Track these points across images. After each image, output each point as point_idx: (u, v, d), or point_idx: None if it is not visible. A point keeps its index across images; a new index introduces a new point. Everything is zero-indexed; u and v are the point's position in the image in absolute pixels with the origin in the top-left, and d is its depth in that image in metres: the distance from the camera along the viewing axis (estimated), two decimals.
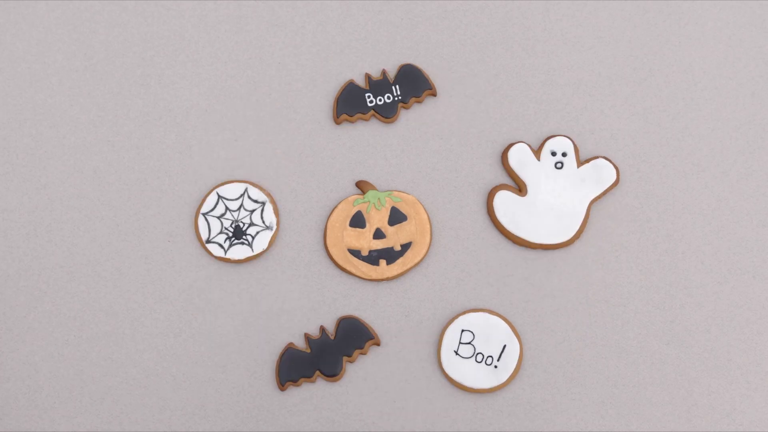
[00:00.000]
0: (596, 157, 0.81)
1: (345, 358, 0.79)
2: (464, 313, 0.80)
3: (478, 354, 0.79)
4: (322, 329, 0.80)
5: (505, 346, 0.79)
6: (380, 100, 0.82)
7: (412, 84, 0.83)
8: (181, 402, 0.81)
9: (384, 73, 0.82)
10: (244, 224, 0.81)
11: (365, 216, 0.82)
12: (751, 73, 0.84)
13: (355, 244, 0.81)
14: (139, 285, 0.82)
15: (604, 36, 0.85)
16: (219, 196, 0.82)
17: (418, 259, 0.81)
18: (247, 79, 0.85)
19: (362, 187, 0.82)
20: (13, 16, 0.86)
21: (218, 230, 0.81)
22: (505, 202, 0.80)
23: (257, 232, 0.81)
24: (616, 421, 0.80)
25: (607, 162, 0.81)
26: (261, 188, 0.82)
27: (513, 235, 0.80)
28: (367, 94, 0.82)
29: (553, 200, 0.80)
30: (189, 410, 0.80)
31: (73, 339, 0.81)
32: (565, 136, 0.82)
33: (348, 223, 0.81)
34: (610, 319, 0.81)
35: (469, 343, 0.79)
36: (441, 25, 0.85)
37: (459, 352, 0.79)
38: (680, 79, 0.84)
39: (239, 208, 0.81)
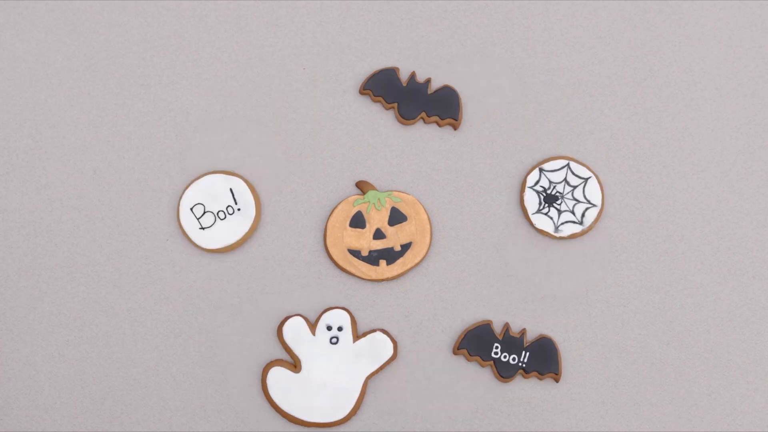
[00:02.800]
0: (373, 331, 0.79)
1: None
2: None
3: (207, 213, 0.80)
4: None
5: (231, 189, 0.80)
6: (505, 356, 0.80)
7: (542, 359, 0.80)
8: (181, 402, 0.81)
9: (523, 333, 0.80)
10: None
11: (365, 216, 0.82)
12: (751, 73, 0.84)
13: (355, 245, 0.81)
14: (139, 285, 0.82)
15: (604, 36, 0.85)
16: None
17: (418, 259, 0.81)
18: (246, 80, 0.85)
19: (362, 187, 0.82)
20: (13, 16, 0.86)
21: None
22: (278, 379, 0.78)
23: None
24: (616, 421, 0.80)
25: (385, 336, 0.79)
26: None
27: (285, 413, 0.78)
28: (495, 344, 0.80)
29: (328, 378, 0.78)
30: (189, 410, 0.80)
31: (74, 339, 0.81)
32: (341, 308, 0.80)
33: (348, 223, 0.81)
34: (610, 319, 0.81)
35: (207, 212, 0.80)
36: (441, 26, 0.85)
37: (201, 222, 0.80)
38: (680, 79, 0.84)
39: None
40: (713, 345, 0.80)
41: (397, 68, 0.83)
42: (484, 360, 0.79)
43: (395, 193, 0.82)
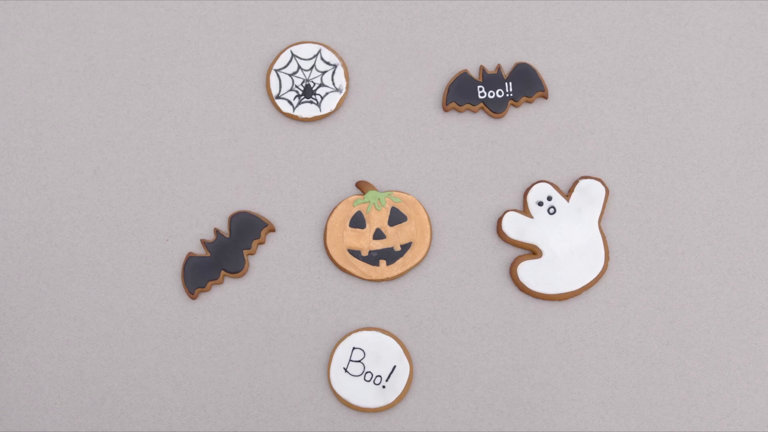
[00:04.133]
0: (577, 182, 0.81)
1: (245, 252, 0.81)
2: (356, 331, 0.80)
3: (366, 372, 0.79)
4: (216, 231, 0.81)
5: (395, 367, 0.79)
6: (491, 93, 0.82)
7: (525, 83, 0.82)
8: (181, 402, 0.81)
9: (499, 68, 0.82)
10: (314, 84, 0.82)
11: (365, 216, 0.82)
12: (751, 73, 0.84)
13: (355, 245, 0.81)
14: (139, 285, 0.82)
15: (604, 36, 0.85)
16: (293, 55, 0.83)
17: (418, 259, 0.81)
18: (246, 80, 0.85)
19: (362, 187, 0.82)
20: (13, 16, 0.86)
21: (288, 87, 0.83)
22: (529, 272, 0.79)
23: (326, 93, 0.82)
24: (616, 421, 0.80)
25: (589, 180, 0.81)
26: (334, 51, 0.82)
27: (555, 295, 0.79)
28: (479, 86, 0.82)
29: (568, 244, 0.80)
30: (189, 410, 0.80)
31: (74, 339, 0.81)
32: (541, 181, 0.81)
33: (348, 223, 0.81)
34: (610, 319, 0.81)
35: (359, 361, 0.79)
36: (441, 25, 0.85)
37: (348, 370, 0.79)
38: (680, 79, 0.84)
39: (311, 68, 0.82)
40: (713, 345, 0.80)
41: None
42: (474, 105, 0.80)
43: (395, 193, 0.82)
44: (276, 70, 0.82)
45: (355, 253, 0.81)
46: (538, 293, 0.79)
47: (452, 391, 0.80)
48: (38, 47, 0.85)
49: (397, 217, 0.81)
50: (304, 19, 0.85)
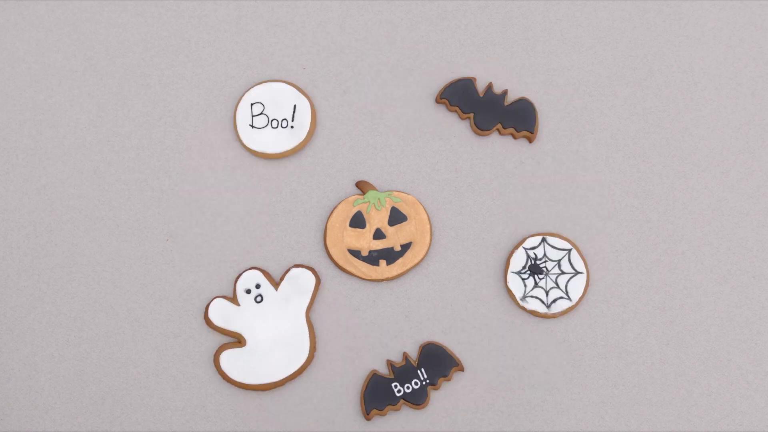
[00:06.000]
0: (288, 270, 0.80)
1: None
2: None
3: (272, 120, 0.81)
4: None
5: (295, 106, 0.81)
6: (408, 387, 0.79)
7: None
8: (181, 402, 0.81)
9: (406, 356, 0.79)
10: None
11: (365, 216, 0.82)
12: (751, 73, 0.84)
13: (355, 245, 0.81)
14: (139, 285, 0.82)
15: (604, 36, 0.85)
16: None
17: (418, 259, 0.81)
18: (246, 80, 0.85)
19: (362, 187, 0.82)
20: (13, 16, 0.86)
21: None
22: (231, 360, 0.79)
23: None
24: (616, 421, 0.80)
25: (299, 269, 0.80)
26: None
27: (256, 385, 0.78)
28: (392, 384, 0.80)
29: (272, 334, 0.79)
30: (189, 410, 0.80)
31: (74, 339, 0.81)
32: (252, 268, 0.80)
33: (348, 223, 0.81)
34: (610, 319, 0.81)
35: (261, 113, 0.80)
36: (441, 25, 0.85)
37: (254, 124, 0.81)
38: (680, 79, 0.84)
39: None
40: (713, 345, 0.80)
41: (474, 78, 0.83)
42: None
43: (395, 193, 0.82)
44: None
45: (355, 253, 0.81)
46: (239, 383, 0.79)
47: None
48: (38, 47, 0.85)
49: (397, 217, 0.81)
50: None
